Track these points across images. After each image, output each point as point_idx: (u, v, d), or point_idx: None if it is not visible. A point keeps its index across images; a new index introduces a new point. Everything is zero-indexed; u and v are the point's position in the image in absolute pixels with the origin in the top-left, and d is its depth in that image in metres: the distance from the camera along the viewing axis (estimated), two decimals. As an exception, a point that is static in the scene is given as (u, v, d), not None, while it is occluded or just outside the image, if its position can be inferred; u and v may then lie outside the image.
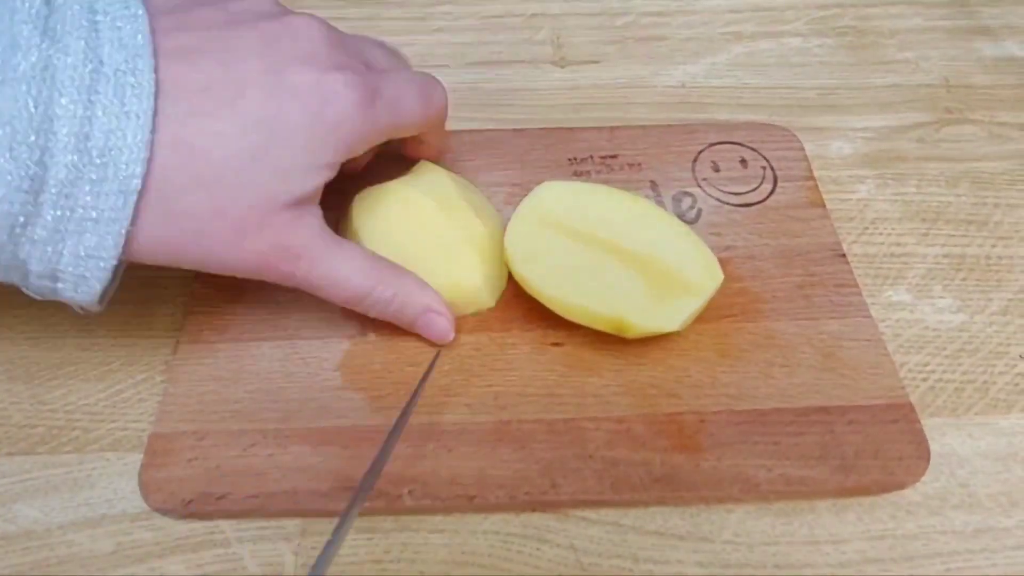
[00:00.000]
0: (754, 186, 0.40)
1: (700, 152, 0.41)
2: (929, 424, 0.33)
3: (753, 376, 0.33)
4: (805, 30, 0.50)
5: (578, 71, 0.47)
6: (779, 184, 0.40)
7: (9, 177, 0.24)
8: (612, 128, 0.42)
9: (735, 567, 0.29)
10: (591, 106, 0.45)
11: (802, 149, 0.41)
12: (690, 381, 0.33)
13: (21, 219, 0.25)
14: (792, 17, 0.51)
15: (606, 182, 0.39)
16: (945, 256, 0.38)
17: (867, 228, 0.39)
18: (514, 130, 0.42)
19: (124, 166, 0.25)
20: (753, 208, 0.39)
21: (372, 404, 0.32)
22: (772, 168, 0.40)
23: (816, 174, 0.42)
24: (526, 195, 0.35)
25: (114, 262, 0.26)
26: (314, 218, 0.30)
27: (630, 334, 0.32)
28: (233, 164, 0.27)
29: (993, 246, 0.39)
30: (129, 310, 0.36)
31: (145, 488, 0.30)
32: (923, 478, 0.31)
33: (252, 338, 0.34)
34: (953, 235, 0.39)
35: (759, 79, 0.47)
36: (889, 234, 0.39)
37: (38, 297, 0.28)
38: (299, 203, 0.29)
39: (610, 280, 0.33)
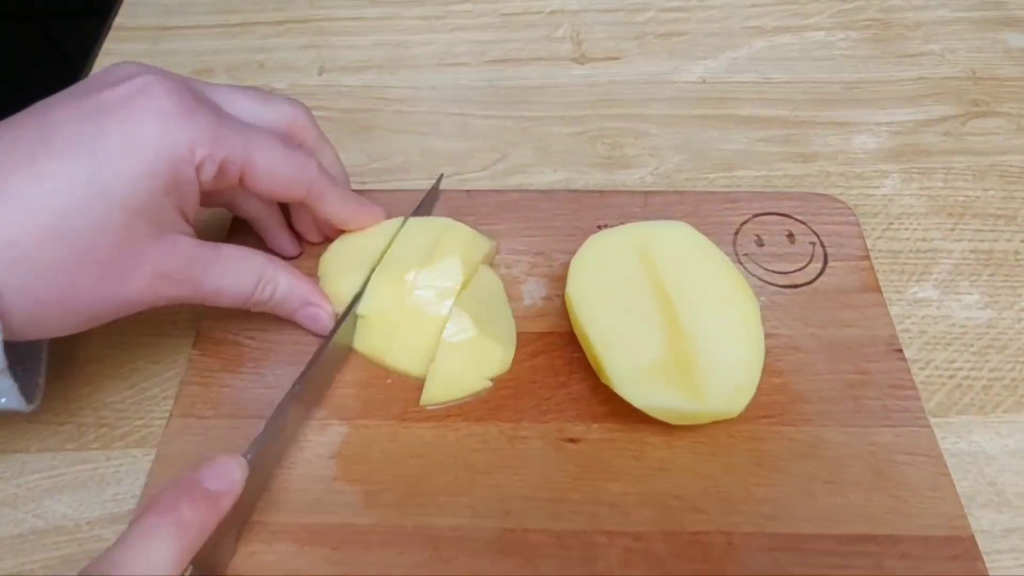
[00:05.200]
0: (801, 265, 0.36)
1: (743, 223, 0.37)
2: (956, 422, 0.32)
3: (792, 492, 0.29)
4: (828, 23, 0.49)
5: (598, 68, 0.47)
6: (829, 263, 0.36)
7: None
8: (646, 193, 0.38)
9: None
10: (611, 103, 0.45)
11: (857, 224, 0.37)
12: (719, 494, 0.29)
13: None
14: (815, 10, 0.50)
15: None
16: (972, 252, 0.38)
17: (892, 223, 0.39)
18: (540, 192, 0.39)
19: None
20: (800, 290, 0.35)
21: (367, 500, 0.29)
22: (822, 244, 0.36)
23: (840, 169, 0.41)
24: (548, 266, 0.34)
25: None
26: (187, 238, 0.29)
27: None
28: (79, 211, 0.26)
29: (1022, 241, 0.38)
30: (153, 310, 0.36)
31: None
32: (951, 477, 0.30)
33: (247, 415, 0.31)
34: (980, 230, 0.39)
35: (781, 73, 0.46)
36: (915, 229, 0.39)
37: None
38: (165, 231, 0.28)
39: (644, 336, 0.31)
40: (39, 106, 0.28)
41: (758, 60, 0.47)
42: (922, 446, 0.30)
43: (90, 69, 0.47)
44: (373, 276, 0.33)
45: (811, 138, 0.43)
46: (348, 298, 0.33)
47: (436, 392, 0.32)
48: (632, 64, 0.47)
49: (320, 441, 0.31)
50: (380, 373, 0.33)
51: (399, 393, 0.32)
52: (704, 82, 0.46)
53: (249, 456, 0.27)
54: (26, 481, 0.31)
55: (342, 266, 0.34)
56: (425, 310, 0.33)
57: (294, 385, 0.30)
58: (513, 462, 0.30)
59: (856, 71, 0.46)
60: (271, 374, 0.33)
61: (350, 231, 0.36)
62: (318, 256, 0.35)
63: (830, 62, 0.47)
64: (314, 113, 0.34)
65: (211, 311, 0.35)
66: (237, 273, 0.31)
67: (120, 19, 0.50)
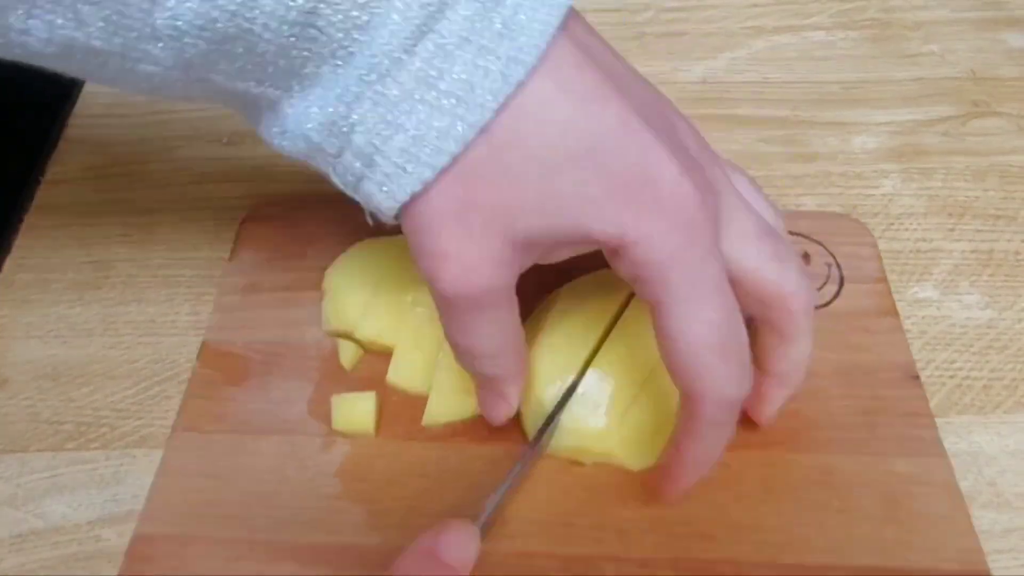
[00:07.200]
0: (817, 287, 0.35)
1: None
2: (956, 422, 0.32)
3: (803, 522, 0.28)
4: (828, 23, 0.49)
5: (598, 67, 0.47)
6: (845, 286, 0.35)
7: (403, 6, 0.20)
8: None
9: None
10: (611, 102, 0.45)
11: (874, 245, 0.36)
12: (728, 521, 0.28)
13: (385, 63, 0.21)
14: (815, 10, 0.50)
15: None
16: (972, 252, 0.38)
17: (892, 223, 0.39)
18: None
19: (519, 49, 0.21)
20: (815, 313, 0.33)
21: (370, 520, 0.29)
22: (839, 266, 0.35)
23: (840, 169, 0.41)
24: (555, 281, 0.32)
25: (446, 160, 0.22)
26: (513, 283, 0.25)
27: None
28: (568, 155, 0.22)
29: (1022, 241, 0.38)
30: (154, 309, 0.36)
31: None
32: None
33: (251, 431, 0.31)
34: (980, 230, 0.39)
35: (781, 73, 0.46)
36: (915, 229, 0.39)
37: (339, 186, 0.24)
38: (525, 249, 0.24)
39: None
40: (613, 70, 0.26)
41: (758, 60, 0.47)
42: (937, 477, 0.29)
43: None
44: (373, 293, 0.33)
45: (811, 138, 0.43)
46: (354, 315, 0.33)
47: (437, 413, 0.31)
48: (632, 64, 0.47)
49: (324, 459, 0.31)
50: (384, 391, 0.32)
51: (403, 411, 0.32)
52: (704, 82, 0.46)
53: (480, 525, 0.26)
54: (26, 481, 0.31)
55: (348, 282, 0.34)
56: (424, 328, 0.32)
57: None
58: (519, 484, 0.30)
59: (856, 71, 0.46)
60: (276, 388, 0.33)
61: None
62: (323, 270, 0.35)
63: (830, 62, 0.47)
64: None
65: (214, 319, 0.35)
66: (487, 334, 0.26)
67: (120, 19, 0.50)
